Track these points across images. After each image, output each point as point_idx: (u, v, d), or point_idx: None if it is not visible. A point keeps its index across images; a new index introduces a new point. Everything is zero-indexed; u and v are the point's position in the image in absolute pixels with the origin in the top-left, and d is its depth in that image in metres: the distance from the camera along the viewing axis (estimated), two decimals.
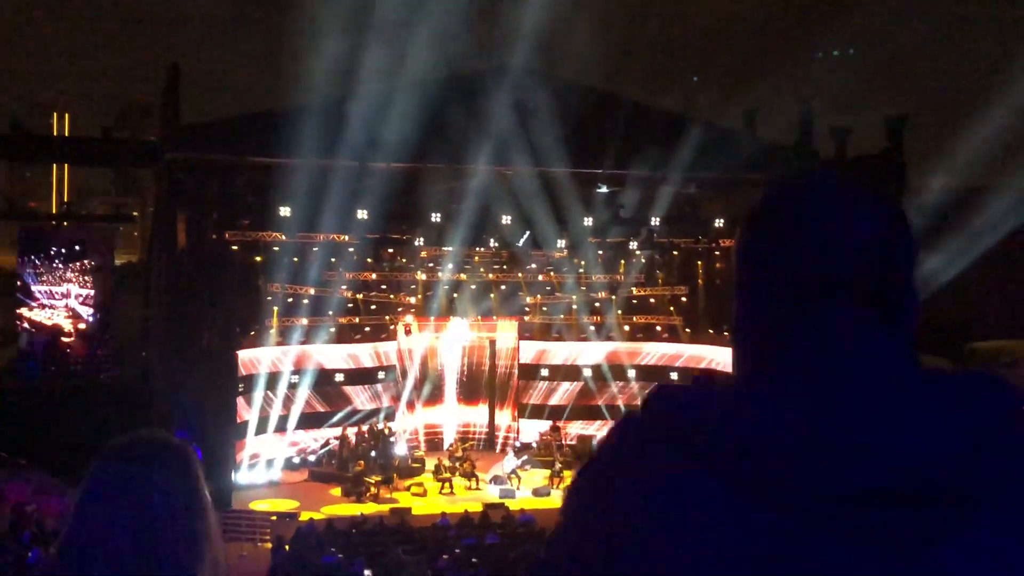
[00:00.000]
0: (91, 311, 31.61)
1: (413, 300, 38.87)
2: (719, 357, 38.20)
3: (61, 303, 31.29)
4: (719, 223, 37.91)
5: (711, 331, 39.32)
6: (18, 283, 31.84)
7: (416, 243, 36.46)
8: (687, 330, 39.83)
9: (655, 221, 36.73)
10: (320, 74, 34.51)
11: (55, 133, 66.41)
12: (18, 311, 31.43)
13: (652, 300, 40.51)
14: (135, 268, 34.44)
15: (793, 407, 1.45)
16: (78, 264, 31.48)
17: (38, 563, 18.93)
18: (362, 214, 33.81)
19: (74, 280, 31.40)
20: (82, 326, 31.46)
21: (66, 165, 49.44)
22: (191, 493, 2.17)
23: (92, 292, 31.56)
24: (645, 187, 35.91)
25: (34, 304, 31.20)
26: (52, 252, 31.25)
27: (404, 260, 38.44)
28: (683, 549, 1.42)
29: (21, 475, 27.52)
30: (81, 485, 2.16)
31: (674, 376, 38.99)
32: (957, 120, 39.37)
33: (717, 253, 39.11)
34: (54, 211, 61.38)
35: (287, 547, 24.86)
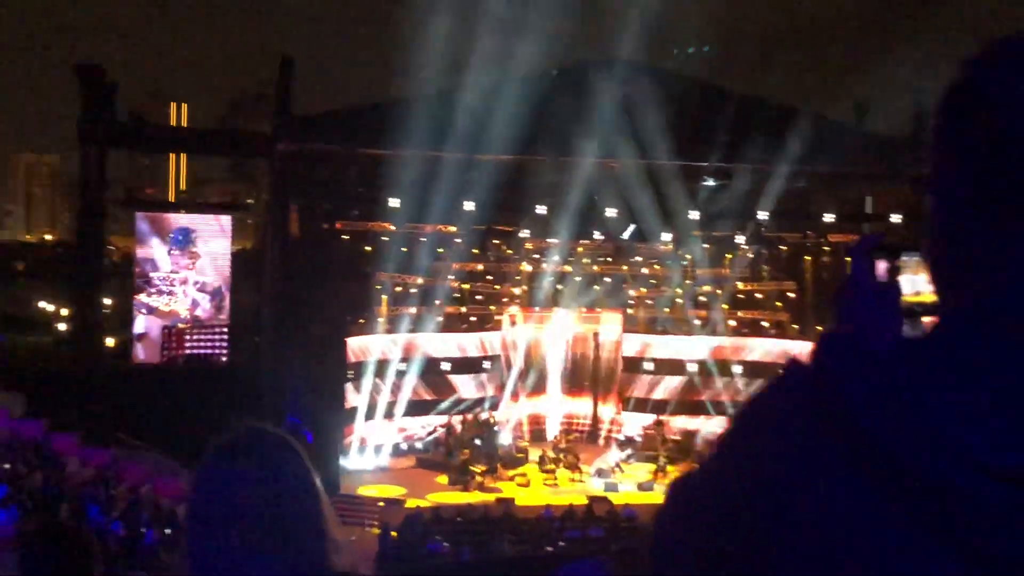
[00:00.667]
0: (207, 296, 32.50)
1: (518, 291, 39.11)
2: None
3: (179, 289, 32.21)
4: (828, 218, 37.31)
5: (819, 328, 38.75)
6: (136, 268, 32.87)
7: (522, 234, 36.64)
8: (794, 326, 39.31)
9: (763, 215, 36.32)
10: (429, 66, 34.96)
11: (173, 123, 68.59)
12: (136, 296, 32.45)
13: (759, 295, 40.08)
14: (249, 255, 35.29)
15: (967, 378, 1.13)
16: (194, 251, 32.36)
17: (153, 544, 19.54)
18: (469, 205, 34.14)
19: (191, 267, 32.31)
20: (198, 312, 32.36)
21: (183, 154, 50.81)
22: (306, 476, 2.22)
23: (208, 279, 32.42)
24: (753, 180, 35.50)
25: (152, 289, 32.20)
26: (169, 239, 32.19)
27: (510, 251, 38.68)
28: (813, 529, 1.17)
29: (137, 456, 28.40)
30: (199, 470, 2.20)
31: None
32: None
33: (826, 248, 38.51)
34: (172, 199, 63.33)
35: (394, 533, 25.32)
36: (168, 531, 21.80)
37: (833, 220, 37.43)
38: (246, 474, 2.11)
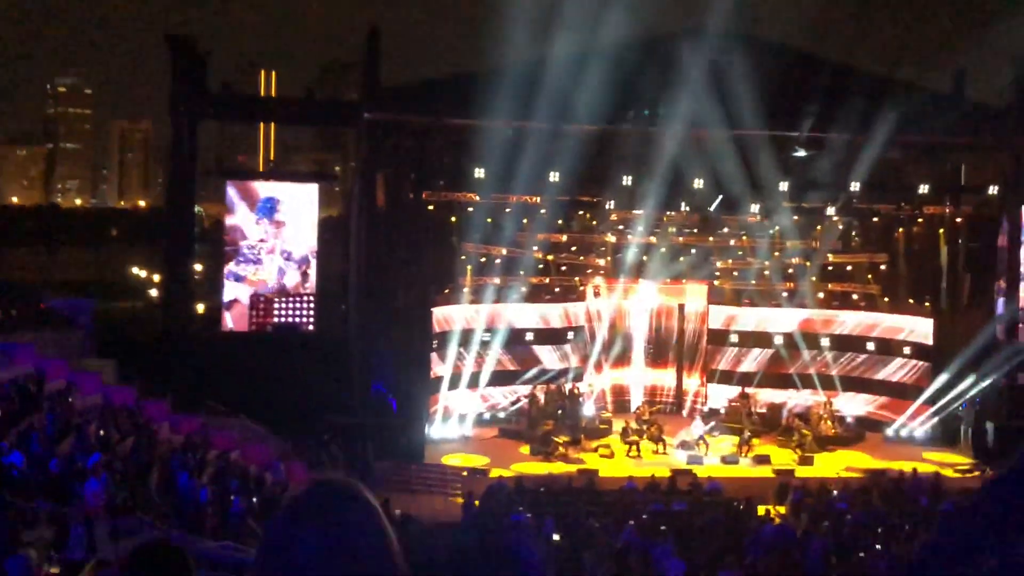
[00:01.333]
0: (294, 265, 32.83)
1: (603, 262, 38.89)
2: (918, 327, 36.89)
3: (266, 257, 32.60)
4: (923, 189, 36.40)
5: (911, 300, 37.94)
6: (225, 236, 33.32)
7: (607, 206, 36.36)
8: (885, 299, 38.53)
9: (854, 186, 35.55)
10: (516, 36, 34.73)
11: (262, 91, 69.35)
12: (225, 264, 32.90)
13: (849, 267, 39.32)
14: (336, 222, 35.58)
15: None
16: (281, 220, 32.69)
17: (240, 511, 19.84)
18: (554, 176, 33.95)
19: (277, 235, 32.65)
20: (285, 280, 32.71)
21: (272, 124, 51.41)
22: (378, 532, 2.10)
23: (295, 247, 32.74)
24: (845, 151, 34.74)
25: (240, 258, 32.62)
26: (257, 208, 32.54)
27: (595, 222, 38.44)
28: None
29: (226, 423, 28.92)
30: (267, 530, 2.12)
31: (871, 347, 37.86)
32: None
33: (920, 220, 37.61)
34: (260, 168, 64.11)
35: (477, 503, 25.43)
36: (255, 499, 22.17)
37: (927, 191, 36.49)
38: (313, 534, 2.02)
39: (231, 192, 32.85)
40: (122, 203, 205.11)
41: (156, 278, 63.37)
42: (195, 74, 32.15)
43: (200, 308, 38.30)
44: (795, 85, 33.08)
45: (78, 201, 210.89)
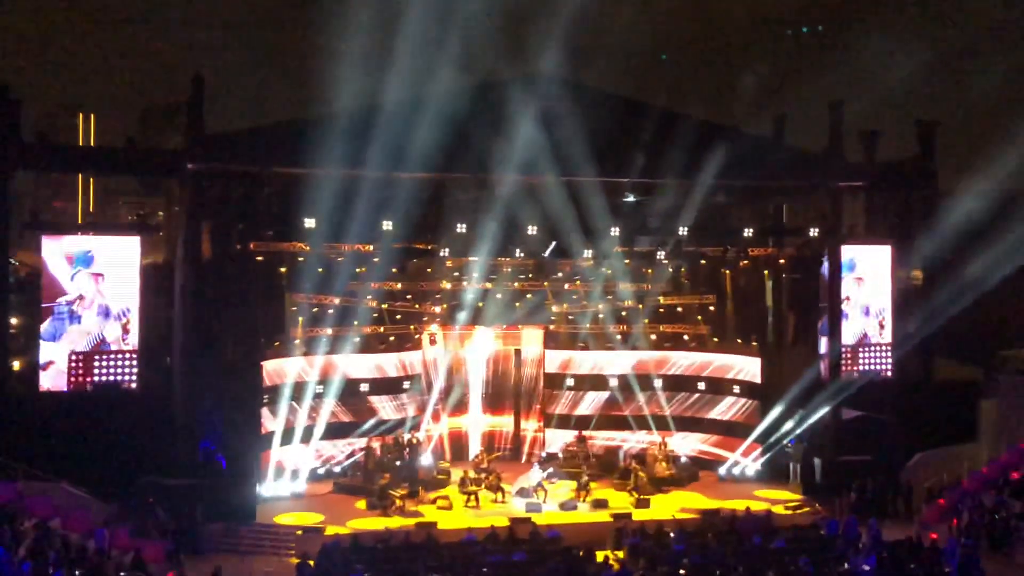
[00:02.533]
0: (114, 320, 31.41)
1: (438, 309, 38.62)
2: (747, 366, 37.84)
3: (85, 313, 31.10)
4: (748, 231, 37.45)
5: (739, 340, 38.91)
6: (41, 293, 31.65)
7: (442, 253, 36.17)
8: (715, 339, 39.42)
9: (683, 230, 36.31)
10: (345, 84, 34.30)
11: (80, 135, 66.90)
12: (40, 322, 31.23)
13: (679, 309, 40.09)
14: (160, 271, 34.24)
15: None
16: (101, 274, 31.26)
17: None
18: (387, 224, 33.56)
19: (97, 290, 31.21)
20: (106, 336, 31.25)
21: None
22: None
23: (115, 302, 31.32)
24: (673, 196, 35.49)
25: (57, 314, 30.99)
26: (75, 262, 31.05)
27: (430, 270, 38.16)
28: None
29: (46, 489, 27.35)
30: None
31: (702, 386, 38.62)
32: (993, 126, 38.75)
33: (745, 262, 38.65)
34: (79, 216, 61.64)
35: (312, 563, 24.64)
36: (77, 572, 20.94)
37: (752, 233, 37.55)
38: None
39: (46, 247, 31.31)
40: None
41: None
42: (7, 122, 30.56)
43: (16, 365, 36.29)
44: (623, 131, 33.61)
45: None
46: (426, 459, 35.76)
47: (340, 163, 30.63)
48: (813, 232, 37.02)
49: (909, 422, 34.83)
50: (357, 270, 36.04)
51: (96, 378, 31.06)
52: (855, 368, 36.94)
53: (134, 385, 31.35)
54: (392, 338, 38.11)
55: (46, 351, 30.82)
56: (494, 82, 34.94)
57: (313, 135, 30.63)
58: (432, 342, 38.77)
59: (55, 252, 31.08)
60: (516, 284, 38.85)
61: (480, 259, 36.45)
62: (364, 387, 37.06)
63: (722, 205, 38.21)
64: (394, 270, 37.24)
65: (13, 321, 34.52)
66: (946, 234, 35.90)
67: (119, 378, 31.18)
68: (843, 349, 36.32)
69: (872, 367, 37.16)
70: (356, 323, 36.55)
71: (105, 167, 36.05)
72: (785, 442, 35.74)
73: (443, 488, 33.70)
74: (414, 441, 36.16)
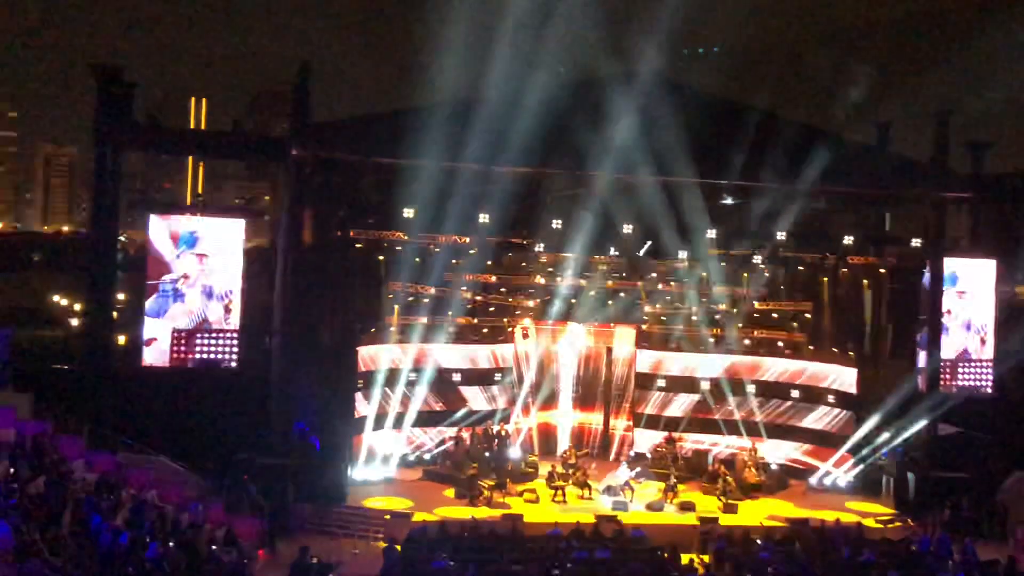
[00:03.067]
0: (217, 300, 32.13)
1: (531, 304, 38.81)
2: (842, 376, 37.28)
3: (189, 291, 31.87)
4: (848, 239, 36.92)
5: (835, 349, 38.33)
6: (147, 270, 32.46)
7: (536, 248, 36.31)
8: (810, 347, 38.91)
9: (781, 235, 35.93)
10: (449, 75, 34.65)
11: (191, 119, 68.95)
12: (146, 299, 32.05)
13: (775, 315, 39.67)
14: (263, 254, 34.99)
15: None
16: (206, 254, 32.00)
17: (156, 556, 19.21)
18: (484, 217, 33.88)
19: (201, 270, 31.95)
20: (208, 315, 31.97)
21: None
22: None
23: (218, 282, 32.02)
24: (773, 200, 35.14)
25: (162, 292, 31.82)
26: (181, 241, 31.83)
27: (524, 264, 38.38)
28: None
29: (143, 462, 28.15)
30: None
31: (795, 394, 38.17)
32: None
33: (844, 270, 38.09)
34: (188, 197, 63.37)
35: (399, 548, 25.02)
36: (171, 542, 21.50)
37: (852, 241, 37.02)
38: None
39: (154, 225, 32.14)
40: (46, 228, 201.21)
41: (78, 307, 61.97)
42: (121, 104, 31.45)
43: (121, 340, 37.38)
44: (723, 132, 33.36)
45: (0, 225, 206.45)
46: (515, 452, 35.96)
47: (440, 154, 30.95)
48: (915, 243, 36.36)
49: (1007, 441, 34.03)
50: (453, 261, 36.41)
51: (197, 356, 31.80)
52: (954, 383, 36.17)
53: (234, 364, 32.03)
54: (485, 330, 38.43)
55: (150, 327, 31.62)
56: (594, 79, 34.99)
57: (414, 126, 30.96)
58: (524, 336, 38.98)
59: (162, 231, 31.89)
60: (610, 282, 38.85)
61: (574, 256, 36.57)
62: (456, 377, 37.45)
63: (822, 211, 37.65)
64: (489, 263, 37.57)
65: (119, 297, 35.65)
66: None
67: (219, 357, 31.86)
68: (942, 363, 35.59)
69: (971, 383, 36.34)
70: (450, 313, 36.95)
71: (212, 150, 36.96)
72: (879, 455, 35.15)
73: (530, 481, 33.88)
74: (503, 433, 36.41)
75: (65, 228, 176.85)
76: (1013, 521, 31.68)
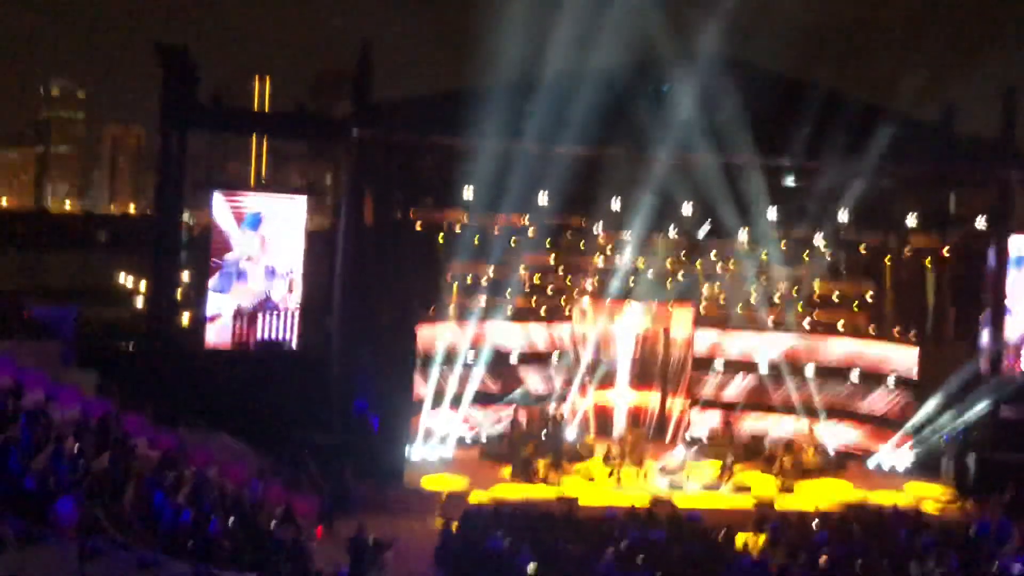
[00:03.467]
0: (279, 279, 32.55)
1: (589, 285, 38.82)
2: (903, 358, 36.87)
3: (252, 271, 32.30)
4: (911, 220, 36.45)
5: (896, 331, 37.90)
6: (210, 249, 32.95)
7: (595, 228, 36.30)
8: (871, 329, 38.51)
9: (843, 216, 35.56)
10: (508, 55, 34.68)
11: (255, 98, 69.76)
12: (209, 278, 32.53)
13: (836, 297, 39.28)
14: (324, 235, 35.37)
15: None
16: (268, 234, 32.38)
17: (216, 532, 19.53)
18: (543, 198, 33.93)
19: (264, 249, 32.35)
20: (270, 295, 32.43)
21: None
22: None
23: (280, 262, 32.41)
24: (835, 180, 34.77)
25: (225, 271, 32.28)
26: (244, 221, 32.24)
27: (583, 245, 38.37)
28: None
29: (205, 439, 28.61)
30: None
31: (855, 376, 37.81)
32: None
33: (907, 251, 37.61)
34: (252, 178, 64.18)
35: (455, 527, 25.26)
36: (232, 518, 21.88)
37: (915, 222, 36.55)
38: None
39: (218, 204, 32.60)
40: (112, 208, 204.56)
41: (143, 286, 63.05)
42: (186, 84, 31.95)
43: (185, 319, 38.02)
44: (785, 112, 33.06)
45: (68, 205, 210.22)
46: (571, 432, 36.05)
47: (499, 135, 31.03)
48: (980, 223, 35.80)
49: None
50: (511, 242, 36.50)
51: (259, 335, 32.25)
52: (1017, 365, 35.63)
53: (295, 344, 32.45)
54: (543, 311, 38.49)
55: (213, 304, 32.10)
56: (654, 59, 34.82)
57: (474, 106, 31.05)
58: (582, 316, 38.99)
59: (225, 210, 32.34)
60: (668, 263, 38.72)
61: (633, 235, 36.48)
62: (513, 358, 37.57)
63: (885, 192, 37.17)
64: (547, 243, 37.61)
65: (183, 277, 36.25)
66: None
67: (281, 336, 32.30)
68: (1005, 345, 35.06)
69: None
70: (508, 294, 37.08)
71: (274, 130, 37.49)
72: (939, 437, 34.76)
73: (586, 461, 33.97)
74: (560, 414, 36.53)
75: (131, 208, 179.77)
76: None
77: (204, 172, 43.83)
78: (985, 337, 35.07)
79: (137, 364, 31.87)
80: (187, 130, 32.52)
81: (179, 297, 34.35)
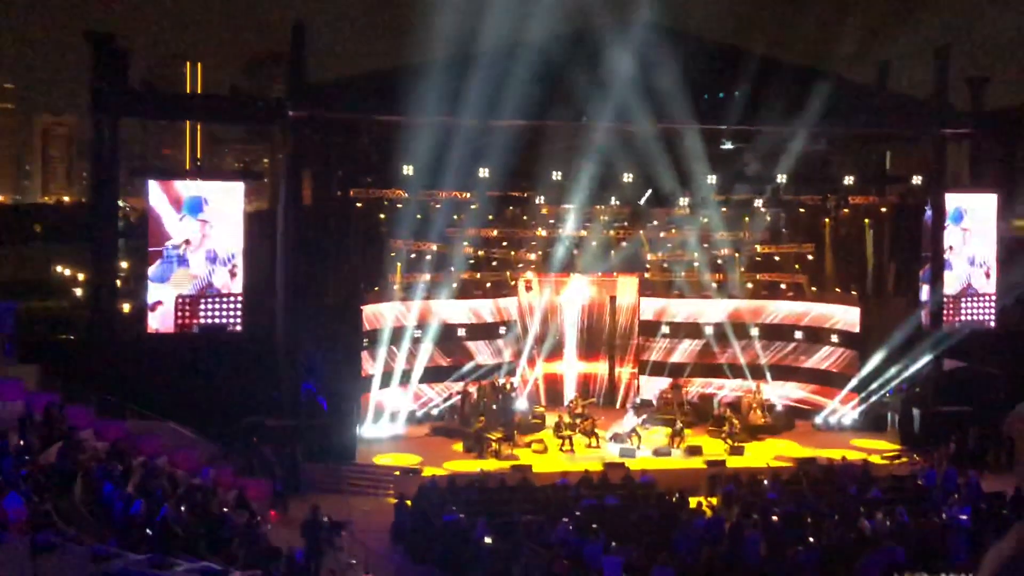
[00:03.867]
0: (220, 264, 32.18)
1: (534, 257, 38.88)
2: (845, 316, 37.41)
3: (192, 257, 31.90)
4: (848, 180, 36.88)
5: (837, 289, 38.44)
6: (149, 237, 32.48)
7: (537, 200, 36.32)
8: (812, 288, 39.02)
9: (781, 178, 35.90)
10: (442, 32, 34.45)
11: (187, 83, 68.81)
12: (148, 265, 32.11)
13: (777, 258, 39.77)
14: (264, 217, 35.02)
15: None
16: (207, 219, 32.00)
17: (167, 519, 19.38)
18: (484, 172, 33.85)
19: (203, 235, 31.98)
20: (212, 280, 32.03)
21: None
22: None
23: (220, 247, 32.06)
24: (772, 143, 35.07)
25: (164, 258, 31.86)
26: (182, 207, 31.85)
27: (525, 217, 38.42)
28: None
29: (153, 428, 28.33)
30: None
31: (799, 335, 38.34)
32: None
33: (846, 210, 38.07)
34: (187, 162, 63.31)
35: (409, 503, 25.27)
36: (183, 507, 21.71)
37: (852, 182, 36.99)
38: None
39: (154, 191, 32.13)
40: (46, 199, 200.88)
41: (81, 277, 62.17)
42: (116, 71, 31.41)
43: (126, 308, 37.55)
44: (721, 77, 33.25)
45: (0, 198, 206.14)
46: (521, 403, 36.20)
47: (437, 111, 30.88)
48: (916, 180, 36.31)
49: (1012, 373, 34.18)
50: (454, 217, 36.44)
51: (202, 321, 31.91)
52: (957, 318, 36.29)
53: (239, 328, 32.16)
54: (488, 284, 38.53)
55: (154, 293, 31.67)
56: (589, 29, 34.80)
57: (410, 83, 30.89)
58: (528, 288, 39.07)
59: (162, 197, 31.89)
60: (611, 232, 38.90)
61: (575, 206, 36.58)
62: (461, 332, 37.61)
63: (822, 153, 37.67)
64: (490, 217, 37.61)
65: (123, 266, 35.75)
66: None
67: (224, 321, 32.01)
68: (945, 299, 35.69)
69: (975, 317, 36.46)
70: (453, 269, 37.06)
71: (208, 114, 36.93)
72: (884, 392, 35.35)
73: (538, 432, 34.11)
74: (510, 386, 36.64)
75: (66, 198, 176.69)
76: (1020, 451, 31.94)
77: (139, 159, 43.12)
78: (925, 292, 35.64)
79: (79, 356, 31.38)
80: (119, 117, 31.97)
81: (119, 286, 33.87)
